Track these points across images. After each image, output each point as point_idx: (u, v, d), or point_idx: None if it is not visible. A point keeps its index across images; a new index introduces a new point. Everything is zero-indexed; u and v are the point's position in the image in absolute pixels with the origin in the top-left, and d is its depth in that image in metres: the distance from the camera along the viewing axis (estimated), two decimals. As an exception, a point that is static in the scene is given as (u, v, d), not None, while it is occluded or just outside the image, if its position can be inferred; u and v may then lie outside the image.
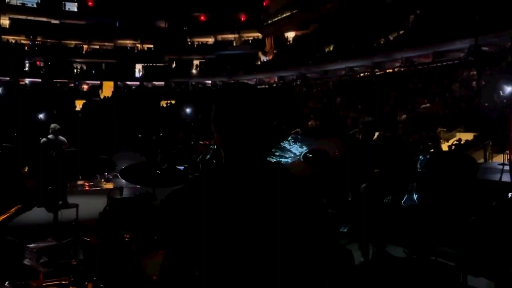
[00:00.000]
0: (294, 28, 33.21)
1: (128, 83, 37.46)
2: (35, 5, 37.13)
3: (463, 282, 3.39)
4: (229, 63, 34.51)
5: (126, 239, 3.22)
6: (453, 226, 3.80)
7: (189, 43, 39.05)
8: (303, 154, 3.13)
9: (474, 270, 3.32)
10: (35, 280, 2.98)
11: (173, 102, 31.32)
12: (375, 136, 6.66)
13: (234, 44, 38.40)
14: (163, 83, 36.93)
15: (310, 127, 13.76)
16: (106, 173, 11.36)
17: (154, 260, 3.05)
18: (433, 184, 4.00)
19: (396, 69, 22.86)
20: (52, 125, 8.58)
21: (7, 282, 2.78)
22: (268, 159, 1.43)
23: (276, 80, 31.68)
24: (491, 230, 3.18)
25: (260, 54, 36.39)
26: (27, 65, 35.75)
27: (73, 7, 38.37)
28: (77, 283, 3.03)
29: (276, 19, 34.24)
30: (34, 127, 17.33)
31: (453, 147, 11.39)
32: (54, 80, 34.68)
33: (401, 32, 23.69)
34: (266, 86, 29.67)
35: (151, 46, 38.64)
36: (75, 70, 37.04)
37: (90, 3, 38.33)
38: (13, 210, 3.37)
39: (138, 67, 37.87)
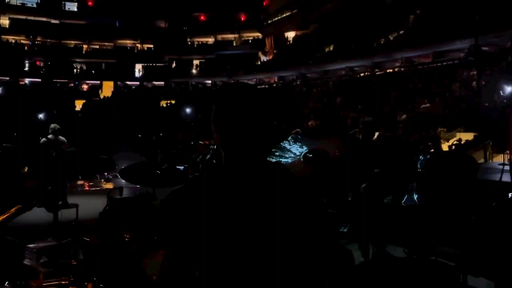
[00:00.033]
0: (294, 28, 33.21)
1: (128, 83, 37.47)
2: (35, 5, 37.14)
3: (463, 282, 3.39)
4: (229, 63, 34.51)
5: (126, 239, 3.22)
6: (453, 226, 3.80)
7: (189, 43, 39.06)
8: (303, 154, 3.13)
9: (474, 270, 3.32)
10: (35, 280, 2.98)
11: (173, 102, 31.33)
12: (375, 136, 6.65)
13: (234, 44, 38.40)
14: (163, 83, 36.94)
15: (310, 127, 13.75)
16: (106, 173, 11.38)
17: (154, 260, 3.05)
18: (433, 184, 4.00)
19: (396, 69, 22.86)
20: (52, 125, 8.58)
21: (7, 282, 2.78)
22: (268, 159, 1.43)
23: (276, 80, 31.67)
24: (491, 230, 3.17)
25: (260, 54, 36.40)
26: (27, 65, 35.77)
27: (73, 7, 38.38)
28: (77, 283, 3.03)
29: (276, 19, 34.26)
30: (34, 127, 17.35)
31: (453, 147, 11.40)
32: (54, 80, 34.70)
33: (401, 32, 23.68)
34: (266, 86, 29.67)
35: (151, 46, 38.65)
36: (75, 70, 37.06)
37: (90, 3, 38.33)
38: (13, 210, 3.37)
39: (138, 67, 37.88)
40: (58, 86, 35.06)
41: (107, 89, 36.33)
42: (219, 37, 38.88)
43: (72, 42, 37.83)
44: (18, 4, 36.79)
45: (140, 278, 3.07)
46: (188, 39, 38.94)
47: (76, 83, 36.99)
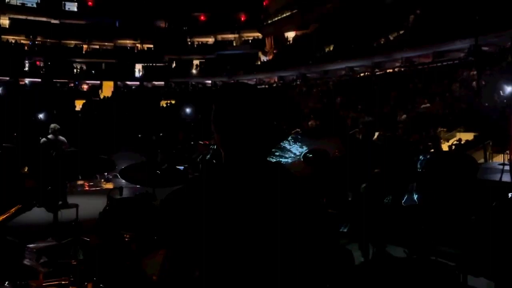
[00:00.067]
0: (294, 28, 33.22)
1: (128, 83, 37.47)
2: (35, 5, 37.15)
3: (463, 282, 3.39)
4: (229, 63, 34.51)
5: (126, 239, 3.22)
6: (453, 226, 3.80)
7: (189, 43, 39.07)
8: (303, 154, 3.12)
9: (474, 270, 3.32)
10: (35, 280, 2.98)
11: (173, 102, 31.34)
12: (375, 136, 6.66)
13: (234, 44, 38.41)
14: (163, 83, 36.94)
15: (310, 127, 13.76)
16: (106, 173, 11.40)
17: (154, 260, 3.05)
18: (433, 184, 3.99)
19: (396, 69, 22.86)
20: (52, 125, 8.58)
21: (7, 282, 2.78)
22: (268, 159, 1.43)
23: (276, 80, 31.68)
24: (491, 230, 3.17)
25: (260, 54, 36.41)
26: (27, 65, 35.77)
27: (73, 7, 38.39)
28: (77, 283, 3.03)
29: (276, 19, 34.26)
30: (34, 127, 17.35)
31: (453, 147, 11.40)
32: (54, 80, 34.71)
33: (401, 32, 23.69)
34: (266, 86, 29.67)
35: (151, 46, 38.65)
36: (75, 70, 37.06)
37: (90, 3, 38.34)
38: (13, 210, 3.37)
39: (138, 67, 37.88)
40: (58, 86, 35.07)
41: (107, 89, 36.34)
42: (219, 37, 38.89)
43: (72, 42, 37.84)
44: (18, 4, 36.79)
45: (140, 278, 3.07)
46: (188, 39, 38.94)
47: (76, 83, 36.99)
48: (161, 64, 37.77)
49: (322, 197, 3.21)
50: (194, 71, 37.97)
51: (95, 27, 37.02)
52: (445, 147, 11.47)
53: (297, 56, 29.28)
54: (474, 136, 12.01)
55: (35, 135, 11.12)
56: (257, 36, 37.11)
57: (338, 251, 3.24)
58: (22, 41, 36.40)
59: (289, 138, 3.32)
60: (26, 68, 35.67)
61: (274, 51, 34.91)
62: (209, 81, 36.25)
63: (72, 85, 36.52)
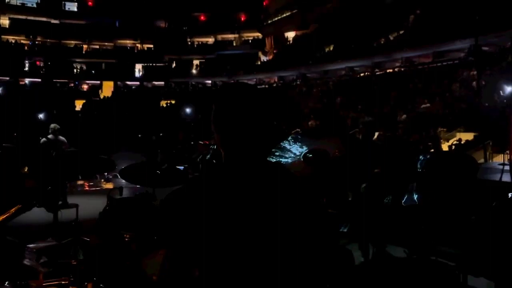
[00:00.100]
0: (294, 28, 33.22)
1: (128, 83, 37.47)
2: (35, 5, 37.15)
3: (463, 282, 3.39)
4: (229, 63, 34.51)
5: (126, 239, 3.22)
6: (453, 226, 3.80)
7: (189, 43, 39.07)
8: (303, 154, 3.12)
9: (474, 270, 3.32)
10: (35, 280, 2.98)
11: (173, 102, 31.34)
12: (375, 136, 6.66)
13: (234, 44, 38.41)
14: (163, 83, 36.95)
15: (310, 127, 13.77)
16: (106, 173, 11.40)
17: (154, 260, 3.05)
18: (433, 184, 3.99)
19: (396, 69, 22.86)
20: (52, 125, 8.58)
21: (7, 282, 2.78)
22: (268, 159, 1.43)
23: (276, 80, 31.67)
24: (491, 230, 3.17)
25: (260, 54, 36.40)
26: (27, 65, 35.78)
27: (73, 7, 38.39)
28: (77, 283, 3.03)
29: (276, 19, 34.26)
30: (34, 127, 17.34)
31: (453, 147, 11.40)
32: (54, 80, 34.71)
33: (401, 32, 23.68)
34: (266, 86, 29.67)
35: (151, 46, 38.66)
36: (75, 70, 37.07)
37: (90, 3, 38.34)
38: (13, 210, 3.37)
39: (138, 67, 37.88)
40: (58, 86, 35.07)
41: (107, 89, 36.34)
42: (219, 37, 38.89)
43: (72, 42, 37.84)
44: (18, 4, 36.79)
45: (140, 278, 3.07)
46: (188, 39, 38.94)
47: (76, 83, 37.00)
48: (161, 64, 37.78)
49: (322, 197, 3.21)
50: (194, 71, 37.97)
51: (95, 27, 37.02)
52: (445, 147, 11.48)
53: (297, 56, 29.28)
54: (474, 136, 12.01)
55: (35, 135, 11.12)
56: (257, 36, 37.11)
57: (338, 251, 3.24)
58: (22, 41, 36.41)
59: (289, 138, 3.32)
60: (26, 68, 35.67)
61: (274, 51, 34.92)
62: (209, 81, 36.25)
63: (72, 85, 36.53)
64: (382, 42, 24.51)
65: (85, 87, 37.38)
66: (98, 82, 37.24)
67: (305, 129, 12.07)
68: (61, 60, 35.59)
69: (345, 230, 4.20)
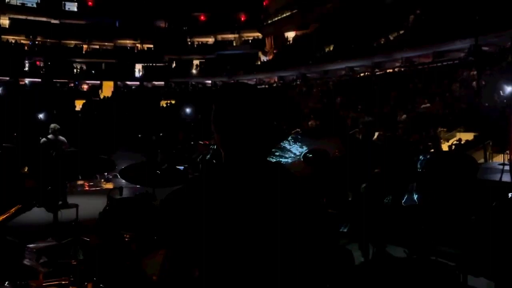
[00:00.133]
0: (294, 28, 33.22)
1: (128, 83, 37.48)
2: (35, 5, 37.16)
3: (463, 282, 3.39)
4: (229, 63, 34.52)
5: (126, 239, 3.22)
6: (453, 226, 3.80)
7: (189, 43, 39.08)
8: (303, 154, 3.12)
9: (474, 270, 3.32)
10: (35, 280, 2.98)
11: (173, 102, 31.35)
12: (375, 136, 6.66)
13: (234, 44, 38.42)
14: (163, 83, 36.96)
15: (310, 127, 13.77)
16: (106, 173, 11.40)
17: (154, 260, 3.05)
18: (433, 184, 3.99)
19: (396, 69, 22.86)
20: (52, 125, 8.58)
21: (7, 282, 2.78)
22: (268, 159, 1.43)
23: (276, 80, 31.68)
24: (491, 230, 3.17)
25: (260, 54, 36.41)
26: (27, 65, 35.78)
27: (73, 7, 38.40)
28: (77, 283, 3.03)
29: (276, 19, 34.27)
30: (34, 127, 17.34)
31: (453, 147, 11.39)
32: (54, 80, 34.72)
33: (401, 32, 23.69)
34: (266, 86, 29.67)
35: (151, 46, 38.66)
36: (75, 70, 37.08)
37: (90, 3, 38.35)
38: (13, 210, 3.37)
39: (138, 67, 37.89)
40: (58, 86, 35.08)
41: (107, 89, 36.35)
42: (219, 37, 38.90)
43: (72, 42, 37.85)
44: (18, 4, 36.80)
45: (140, 278, 3.07)
46: (188, 39, 38.95)
47: (76, 83, 37.01)
48: (161, 64, 37.79)
49: (322, 197, 3.21)
50: (194, 71, 37.98)
51: (95, 27, 37.03)
52: (445, 147, 11.47)
53: (297, 56, 29.29)
54: (474, 136, 12.00)
55: (35, 135, 11.12)
56: (257, 36, 37.11)
57: (338, 251, 3.24)
58: (22, 41, 36.41)
59: (289, 138, 3.32)
60: (26, 68, 35.68)
61: (274, 51, 34.92)
62: (209, 81, 36.25)
63: (72, 85, 36.54)
64: (382, 42, 24.51)
65: (85, 87, 37.38)
66: (98, 82, 37.25)
67: (305, 129, 12.07)
68: (61, 60, 35.60)
69: (345, 230, 4.20)
